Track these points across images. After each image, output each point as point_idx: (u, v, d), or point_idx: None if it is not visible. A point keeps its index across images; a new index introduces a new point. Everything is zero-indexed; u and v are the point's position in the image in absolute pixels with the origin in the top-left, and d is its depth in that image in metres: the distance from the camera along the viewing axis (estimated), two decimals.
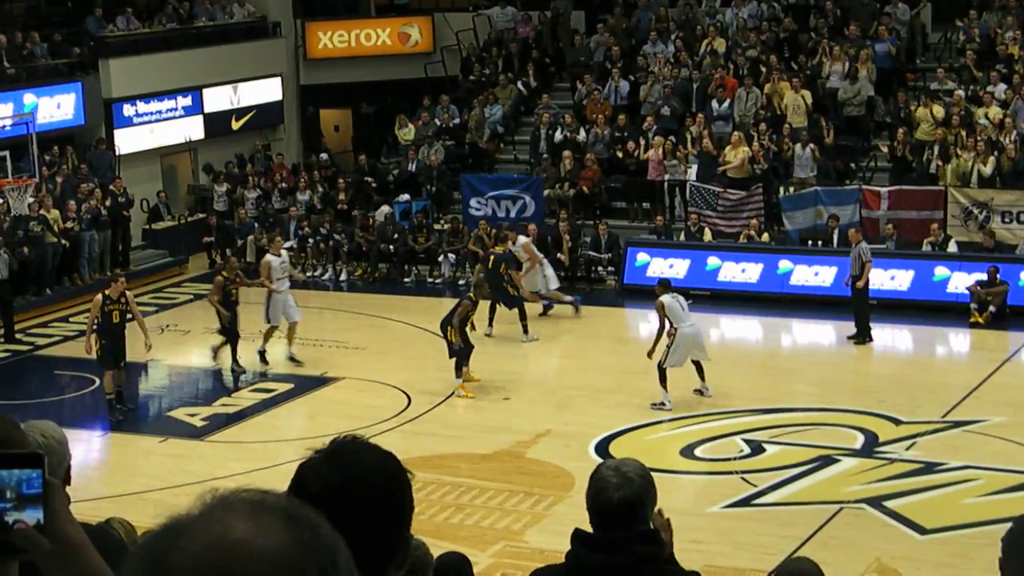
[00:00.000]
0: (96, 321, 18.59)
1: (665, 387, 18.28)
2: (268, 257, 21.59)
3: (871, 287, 21.71)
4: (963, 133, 25.61)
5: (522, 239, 23.51)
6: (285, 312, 21.11)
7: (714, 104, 28.07)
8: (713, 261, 24.96)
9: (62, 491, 2.15)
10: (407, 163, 29.56)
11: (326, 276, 27.35)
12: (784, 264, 24.53)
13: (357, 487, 2.47)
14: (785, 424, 17.85)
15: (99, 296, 18.72)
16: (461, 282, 26.43)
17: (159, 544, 1.76)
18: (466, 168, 29.31)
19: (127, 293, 18.98)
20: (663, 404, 18.38)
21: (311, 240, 27.72)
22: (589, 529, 4.03)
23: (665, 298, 18.45)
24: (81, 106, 27.98)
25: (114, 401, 18.93)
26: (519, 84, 31.04)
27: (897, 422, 17.70)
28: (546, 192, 27.42)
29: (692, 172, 27.02)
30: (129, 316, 18.85)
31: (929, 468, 16.01)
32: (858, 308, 21.49)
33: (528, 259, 23.32)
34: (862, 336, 21.53)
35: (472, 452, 17.17)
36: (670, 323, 18.27)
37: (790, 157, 26.60)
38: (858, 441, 17.08)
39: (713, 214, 26.15)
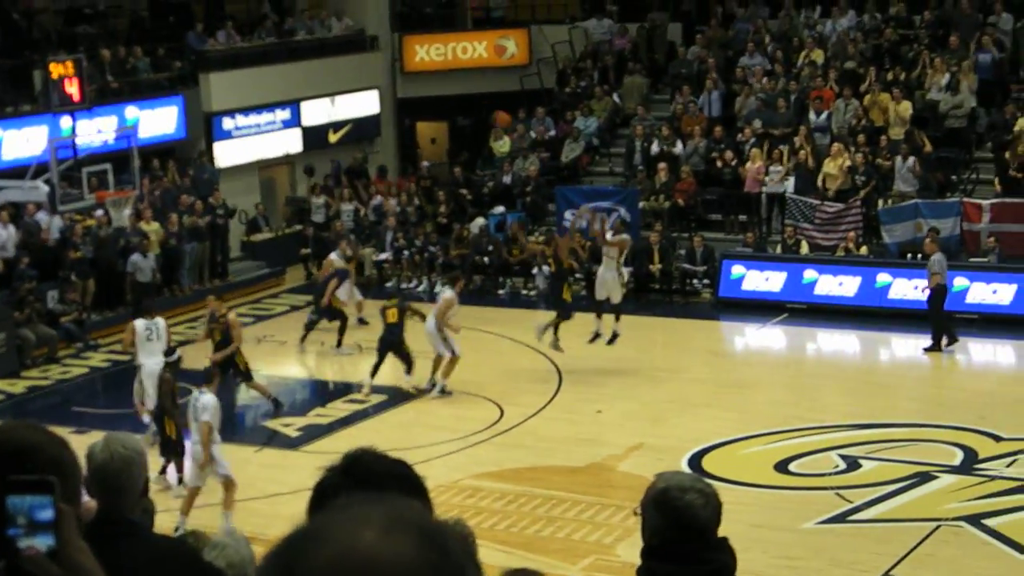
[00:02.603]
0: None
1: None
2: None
3: (970, 300, 21.46)
4: None
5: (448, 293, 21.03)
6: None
7: (811, 116, 27.81)
8: (810, 274, 24.70)
9: (73, 518, 2.15)
10: (502, 175, 29.63)
11: (420, 288, 27.48)
12: (883, 277, 24.21)
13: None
14: (882, 440, 17.59)
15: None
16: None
17: (290, 550, 1.75)
18: (561, 180, 29.29)
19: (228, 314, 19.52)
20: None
21: (406, 252, 27.87)
22: None
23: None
24: (183, 120, 28.40)
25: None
26: (614, 96, 30.99)
27: (997, 439, 17.37)
28: (641, 204, 27.33)
29: (789, 184, 26.78)
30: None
31: None
32: (931, 317, 21.39)
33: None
34: (935, 344, 21.42)
35: (564, 465, 17.12)
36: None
37: (889, 169, 26.26)
38: (957, 458, 16.79)
39: (810, 227, 25.88)
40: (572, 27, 33.20)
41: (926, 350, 21.60)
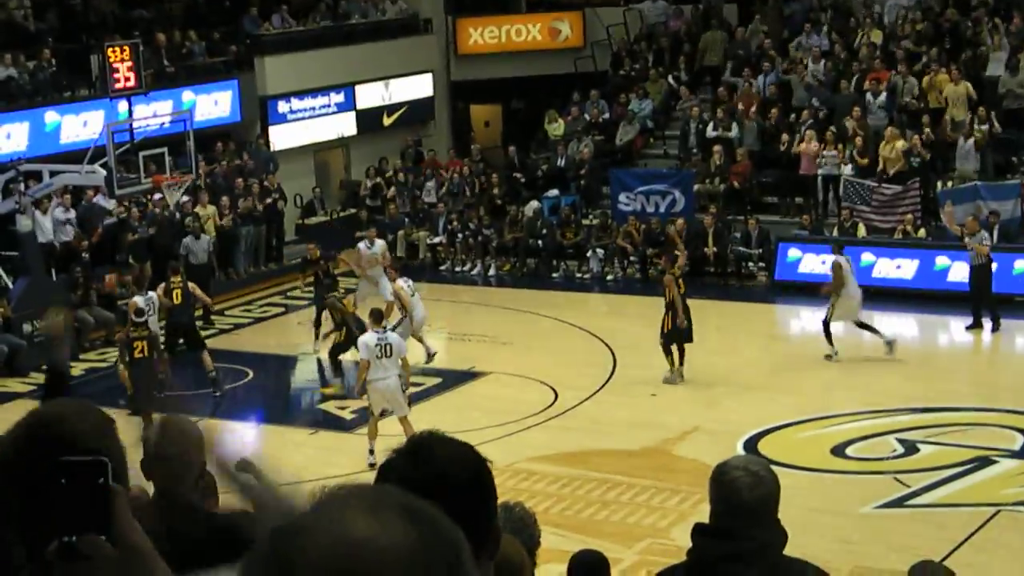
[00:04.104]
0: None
1: (830, 341, 20.01)
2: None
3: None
4: None
5: (400, 282, 20.84)
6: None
7: (869, 97, 27.52)
8: (867, 257, 24.46)
9: (125, 497, 2.13)
10: (556, 158, 29.55)
11: (475, 271, 27.48)
12: (942, 260, 23.95)
13: (439, 481, 2.42)
14: (941, 424, 17.42)
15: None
16: (609, 277, 26.35)
17: (278, 545, 1.71)
18: (615, 163, 29.19)
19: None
20: (830, 356, 20.03)
21: (460, 235, 27.87)
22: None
23: (840, 259, 20.25)
24: (238, 103, 28.52)
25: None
26: (669, 79, 30.82)
27: None
28: (696, 187, 27.19)
29: (847, 167, 26.52)
30: None
31: None
32: (972, 295, 21.25)
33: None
34: (975, 324, 21.49)
35: (619, 448, 17.07)
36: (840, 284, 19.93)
37: (949, 150, 25.97)
38: (1018, 442, 16.59)
39: (867, 209, 25.63)
40: (627, 9, 33.03)
41: (968, 328, 21.50)
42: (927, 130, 26.17)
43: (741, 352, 21.12)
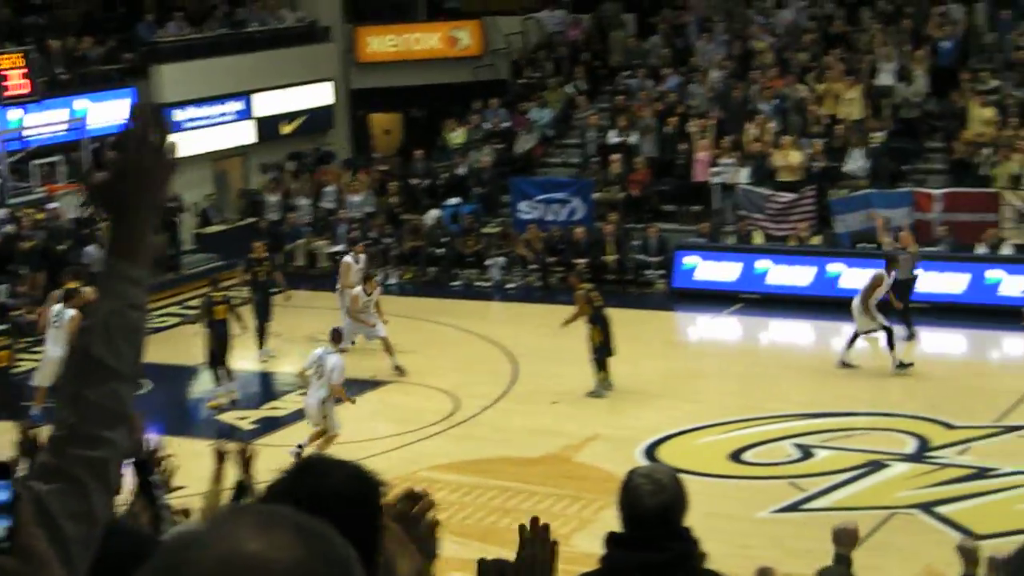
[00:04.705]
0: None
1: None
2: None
3: (921, 290, 21.73)
4: (1018, 134, 25.34)
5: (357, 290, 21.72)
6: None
7: (763, 105, 27.90)
8: (763, 264, 24.81)
9: (29, 503, 2.13)
10: (456, 167, 29.59)
11: (376, 280, 27.37)
12: (835, 267, 24.35)
13: (327, 500, 2.45)
14: (836, 428, 17.70)
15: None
16: (510, 285, 26.43)
17: (169, 559, 1.72)
18: (515, 172, 29.30)
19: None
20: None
21: (361, 243, 27.74)
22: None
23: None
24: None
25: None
26: (569, 87, 31.01)
27: (949, 427, 17.51)
28: (595, 195, 27.36)
29: (742, 174, 26.86)
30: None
31: (981, 473, 15.83)
32: (903, 306, 21.68)
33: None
34: (911, 335, 21.70)
35: (520, 456, 17.13)
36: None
37: (842, 159, 26.40)
38: (910, 446, 16.92)
39: (763, 217, 25.99)
40: (526, 18, 33.18)
41: (907, 339, 21.72)
42: (822, 139, 26.59)
43: (640, 359, 21.28)
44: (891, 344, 20.00)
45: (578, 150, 29.52)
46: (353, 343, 21.26)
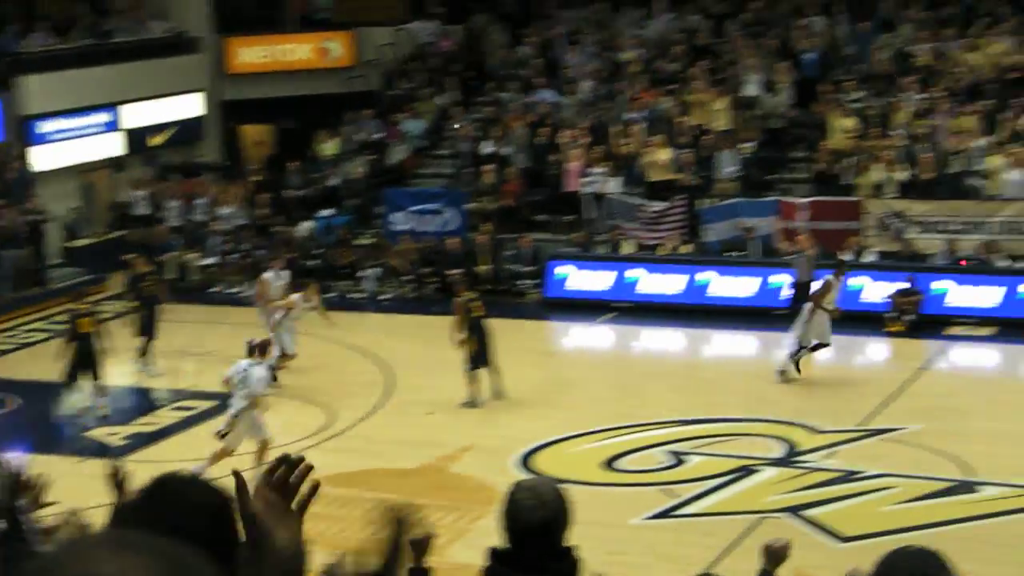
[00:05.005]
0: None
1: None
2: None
3: (787, 296, 22.06)
4: (879, 144, 25.97)
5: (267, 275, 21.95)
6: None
7: (633, 115, 28.23)
8: (634, 273, 25.10)
9: None
10: (329, 178, 29.48)
11: (247, 292, 27.16)
12: (705, 275, 24.73)
13: (179, 519, 2.49)
14: (707, 435, 17.97)
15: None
16: (383, 296, 26.39)
17: None
18: (388, 183, 29.28)
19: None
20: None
21: (233, 256, 27.55)
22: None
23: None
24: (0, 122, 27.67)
25: None
26: (441, 98, 31.07)
27: (816, 431, 17.89)
28: (469, 206, 27.46)
29: (613, 184, 27.14)
30: None
31: (847, 476, 16.19)
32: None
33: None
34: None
35: (395, 467, 17.12)
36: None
37: (712, 168, 26.82)
38: (778, 451, 17.24)
39: (633, 226, 26.29)
40: (397, 29, 33.18)
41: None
42: (691, 148, 26.99)
43: (514, 369, 21.40)
44: (797, 354, 20.10)
45: (451, 161, 29.60)
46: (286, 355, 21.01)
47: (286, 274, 22.54)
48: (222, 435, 16.59)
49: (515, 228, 27.24)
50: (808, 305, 20.13)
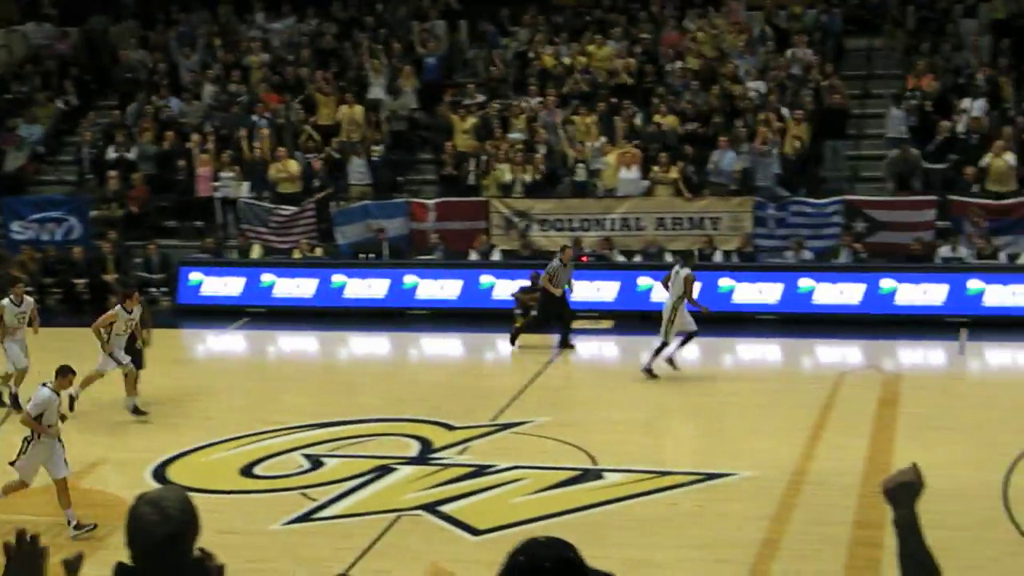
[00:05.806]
0: None
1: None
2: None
3: (420, 296, 22.45)
4: (502, 145, 26.77)
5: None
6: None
7: (257, 119, 28.10)
8: (268, 278, 25.01)
9: None
10: None
11: None
12: (338, 278, 24.90)
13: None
14: (344, 437, 18.10)
15: None
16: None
17: None
18: (7, 191, 28.12)
19: None
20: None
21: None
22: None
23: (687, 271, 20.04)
24: None
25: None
26: (60, 102, 30.06)
27: (451, 428, 18.29)
28: (93, 213, 26.69)
29: (243, 188, 26.98)
30: None
31: (480, 471, 16.63)
32: (566, 315, 22.33)
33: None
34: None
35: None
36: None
37: (342, 172, 27.02)
38: (414, 449, 17.55)
39: (266, 230, 26.21)
40: (9, 31, 31.89)
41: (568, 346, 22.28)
42: (319, 153, 27.11)
43: (146, 379, 20.96)
44: (660, 352, 20.25)
45: (74, 167, 28.69)
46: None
47: (27, 300, 21.00)
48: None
49: (143, 235, 26.67)
50: (668, 303, 20.14)
